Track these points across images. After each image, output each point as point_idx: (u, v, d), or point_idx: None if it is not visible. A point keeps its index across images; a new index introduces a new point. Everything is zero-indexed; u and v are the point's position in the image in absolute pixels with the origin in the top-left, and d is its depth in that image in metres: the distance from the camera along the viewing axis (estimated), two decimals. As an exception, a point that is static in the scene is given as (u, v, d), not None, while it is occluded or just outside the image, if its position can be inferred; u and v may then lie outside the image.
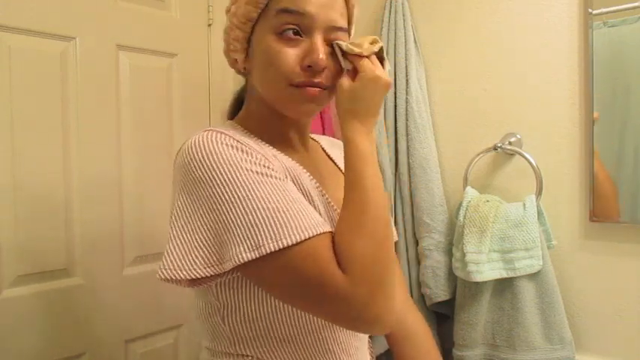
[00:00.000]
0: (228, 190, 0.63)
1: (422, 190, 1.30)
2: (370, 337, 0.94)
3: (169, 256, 0.65)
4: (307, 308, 0.66)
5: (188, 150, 0.66)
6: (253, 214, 0.62)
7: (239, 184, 0.63)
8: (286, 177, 0.70)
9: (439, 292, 1.28)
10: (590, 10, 1.12)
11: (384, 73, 0.72)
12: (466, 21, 1.31)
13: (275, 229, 0.61)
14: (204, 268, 0.64)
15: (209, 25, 1.65)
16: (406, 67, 1.34)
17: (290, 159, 0.76)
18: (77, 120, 1.32)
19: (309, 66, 0.69)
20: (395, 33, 1.36)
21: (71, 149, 1.31)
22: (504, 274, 1.14)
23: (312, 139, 0.91)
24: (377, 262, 0.62)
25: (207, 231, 0.64)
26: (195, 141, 0.66)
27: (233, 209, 0.62)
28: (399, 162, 1.36)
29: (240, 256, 0.60)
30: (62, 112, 1.30)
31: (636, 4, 1.07)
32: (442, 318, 1.35)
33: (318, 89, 0.71)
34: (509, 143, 1.23)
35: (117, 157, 1.41)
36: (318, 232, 0.63)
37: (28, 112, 1.24)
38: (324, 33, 0.71)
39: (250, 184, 0.63)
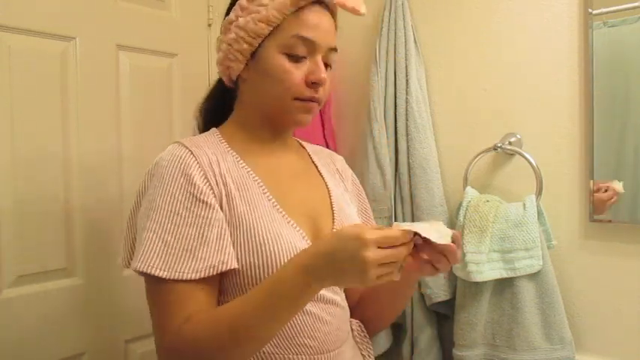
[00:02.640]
0: (156, 207, 0.75)
1: (422, 190, 1.30)
2: (370, 337, 0.94)
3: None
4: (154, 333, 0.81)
5: (154, 162, 0.82)
6: (160, 235, 0.74)
7: (165, 209, 0.75)
8: (219, 203, 0.77)
9: (439, 292, 1.28)
10: (590, 10, 1.12)
11: (375, 253, 0.62)
12: (466, 21, 1.31)
13: (163, 258, 0.73)
14: (125, 261, 0.87)
15: (209, 25, 1.65)
16: (406, 67, 1.34)
17: (248, 168, 0.83)
18: (77, 120, 1.32)
19: (314, 83, 0.80)
20: (395, 33, 1.36)
21: (71, 149, 1.31)
22: (504, 274, 1.14)
23: (300, 145, 1.00)
24: (219, 349, 0.69)
25: (137, 232, 0.80)
26: (161, 156, 0.81)
27: (153, 223, 0.75)
28: (399, 162, 1.36)
29: (134, 264, 0.75)
30: (62, 112, 1.30)
31: (636, 4, 1.07)
32: (442, 318, 1.35)
33: (316, 103, 0.82)
34: (509, 143, 1.23)
35: (117, 156, 1.41)
36: (185, 278, 0.72)
37: (28, 112, 1.24)
38: (324, 53, 0.82)
39: (171, 212, 0.74)
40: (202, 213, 0.74)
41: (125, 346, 1.43)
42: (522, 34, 1.23)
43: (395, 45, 1.36)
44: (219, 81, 0.93)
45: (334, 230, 0.84)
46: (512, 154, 1.24)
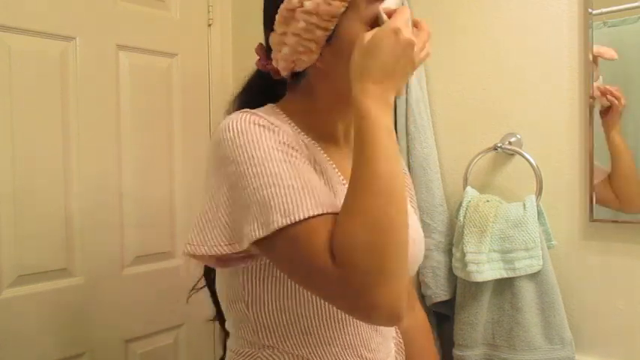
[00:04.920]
0: (247, 167, 0.62)
1: (422, 190, 1.30)
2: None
3: (194, 232, 0.66)
4: (309, 290, 0.66)
5: (220, 129, 0.67)
6: (267, 189, 0.61)
7: (258, 161, 0.62)
8: (309, 164, 0.67)
9: (439, 292, 1.28)
10: (590, 10, 1.12)
11: (410, 32, 0.65)
12: (466, 21, 1.31)
13: (285, 206, 0.60)
14: (225, 245, 0.64)
15: (209, 25, 1.65)
16: (406, 67, 1.34)
17: (322, 152, 0.75)
18: (77, 120, 1.32)
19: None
20: (395, 33, 1.36)
21: (71, 149, 1.32)
22: (504, 274, 1.14)
23: None
24: (375, 250, 0.57)
25: (228, 207, 0.64)
26: (228, 121, 0.67)
27: (250, 186, 0.62)
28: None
29: (252, 234, 0.60)
30: (62, 112, 1.30)
31: (636, 4, 1.07)
32: (442, 318, 1.35)
33: None
34: (509, 143, 1.23)
35: (117, 156, 1.41)
36: (323, 212, 0.60)
37: (28, 112, 1.24)
38: None
39: (269, 161, 0.62)
40: (305, 161, 0.66)
41: (125, 346, 1.43)
42: (522, 34, 1.23)
43: (395, 45, 1.36)
44: (258, 72, 0.83)
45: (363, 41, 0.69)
46: (512, 154, 1.24)
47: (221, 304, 0.79)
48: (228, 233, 0.64)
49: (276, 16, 0.70)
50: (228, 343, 0.80)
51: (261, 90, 0.82)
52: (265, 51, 0.78)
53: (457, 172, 1.32)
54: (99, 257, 1.37)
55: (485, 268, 1.14)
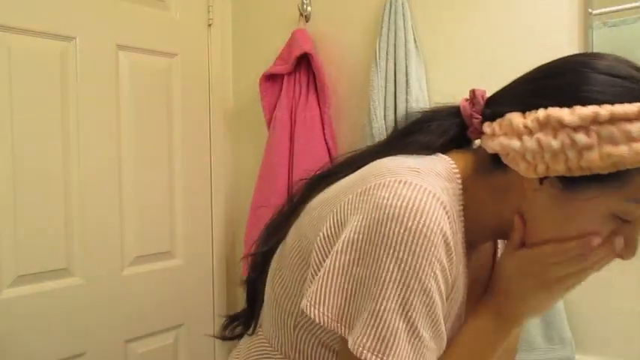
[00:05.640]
0: (404, 283, 0.52)
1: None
2: None
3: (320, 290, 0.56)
4: None
5: (394, 203, 0.53)
6: (404, 323, 0.53)
7: (416, 292, 0.52)
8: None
9: (439, 292, 1.28)
10: (590, 10, 1.12)
11: None
12: (466, 21, 1.31)
13: (405, 354, 0.52)
14: (333, 321, 0.55)
15: (209, 25, 1.65)
16: (406, 67, 1.34)
17: (464, 262, 0.63)
18: (77, 120, 1.32)
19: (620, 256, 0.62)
20: (395, 33, 1.36)
21: (71, 149, 1.32)
22: (504, 274, 1.14)
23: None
24: None
25: (357, 290, 0.54)
26: (408, 197, 0.53)
27: (393, 300, 0.52)
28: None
29: (360, 348, 0.52)
30: (62, 112, 1.30)
31: (636, 4, 1.07)
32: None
33: None
34: (509, 143, 1.23)
35: (117, 156, 1.41)
36: None
37: (28, 112, 1.24)
38: None
39: (422, 303, 0.53)
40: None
41: (125, 346, 1.43)
42: (522, 34, 1.23)
43: (395, 45, 1.36)
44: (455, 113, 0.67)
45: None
46: (512, 154, 1.24)
47: (268, 309, 0.72)
48: (342, 312, 0.55)
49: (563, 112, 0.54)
50: (253, 339, 0.74)
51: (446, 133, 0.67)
52: (484, 101, 0.66)
53: (457, 172, 1.32)
54: (99, 257, 1.37)
55: (485, 268, 1.14)
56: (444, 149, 0.65)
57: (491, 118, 0.62)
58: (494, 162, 0.61)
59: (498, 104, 0.63)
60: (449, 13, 1.33)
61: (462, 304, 0.65)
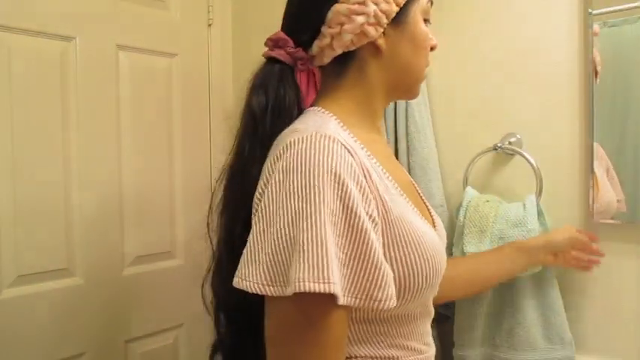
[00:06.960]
0: (319, 217, 0.56)
1: (422, 191, 1.30)
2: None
3: (242, 261, 0.61)
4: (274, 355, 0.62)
5: (295, 151, 0.60)
6: (331, 248, 0.56)
7: (331, 220, 0.57)
8: (375, 221, 0.62)
9: (439, 292, 1.28)
10: (590, 10, 1.12)
11: None
12: (466, 21, 1.31)
13: (348, 278, 0.57)
14: (268, 286, 0.58)
15: (209, 25, 1.65)
16: (406, 67, 1.34)
17: (379, 165, 0.69)
18: (77, 120, 1.33)
19: (432, 49, 0.78)
20: (395, 33, 1.36)
21: (71, 149, 1.32)
22: (504, 274, 1.14)
23: None
24: None
25: (283, 244, 0.58)
26: (306, 144, 0.60)
27: (317, 236, 0.56)
28: (399, 162, 1.36)
29: (303, 284, 0.55)
30: (62, 112, 1.30)
31: (636, 4, 1.07)
32: (442, 318, 1.35)
33: None
34: (509, 143, 1.23)
35: (117, 156, 1.41)
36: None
37: (28, 113, 1.24)
38: None
39: (344, 226, 0.58)
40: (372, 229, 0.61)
41: (125, 346, 1.43)
42: (522, 34, 1.23)
43: (395, 45, 1.36)
44: (276, 66, 0.74)
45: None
46: (512, 154, 1.24)
47: None
48: (273, 274, 0.58)
49: None
50: None
51: (286, 86, 0.74)
52: (291, 39, 0.73)
53: (457, 172, 1.32)
54: (99, 257, 1.37)
55: (485, 268, 1.14)
56: (301, 101, 0.75)
57: (309, 41, 0.72)
58: (337, 70, 0.73)
59: (300, 31, 0.73)
60: (449, 13, 1.33)
61: (409, 202, 0.71)
